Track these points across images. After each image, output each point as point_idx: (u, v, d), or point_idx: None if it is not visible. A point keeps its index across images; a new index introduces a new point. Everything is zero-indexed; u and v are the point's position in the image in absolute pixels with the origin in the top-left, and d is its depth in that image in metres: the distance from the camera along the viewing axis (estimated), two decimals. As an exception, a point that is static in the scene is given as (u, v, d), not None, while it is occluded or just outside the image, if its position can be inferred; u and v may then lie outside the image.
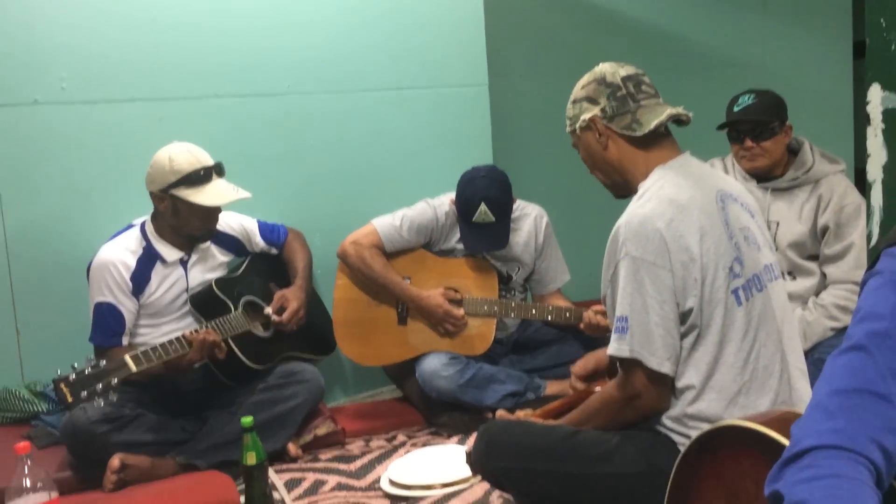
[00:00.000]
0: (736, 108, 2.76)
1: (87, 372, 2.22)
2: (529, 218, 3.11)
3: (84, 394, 2.18)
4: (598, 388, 2.05)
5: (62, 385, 2.17)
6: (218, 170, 2.65)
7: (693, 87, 3.61)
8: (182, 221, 2.64)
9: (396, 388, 3.23)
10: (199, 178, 2.58)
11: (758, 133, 2.72)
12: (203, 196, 2.57)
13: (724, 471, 1.30)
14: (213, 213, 2.65)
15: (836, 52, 4.48)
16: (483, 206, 2.87)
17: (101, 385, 2.21)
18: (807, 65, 4.36)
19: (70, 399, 2.16)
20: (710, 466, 1.33)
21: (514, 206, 3.05)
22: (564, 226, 3.34)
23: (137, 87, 2.94)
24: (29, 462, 1.96)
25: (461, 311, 2.94)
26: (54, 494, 1.99)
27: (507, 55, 3.76)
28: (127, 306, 2.60)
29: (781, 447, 1.15)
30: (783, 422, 1.26)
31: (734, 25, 4.33)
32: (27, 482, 1.95)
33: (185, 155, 2.59)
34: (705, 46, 4.27)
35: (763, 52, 4.38)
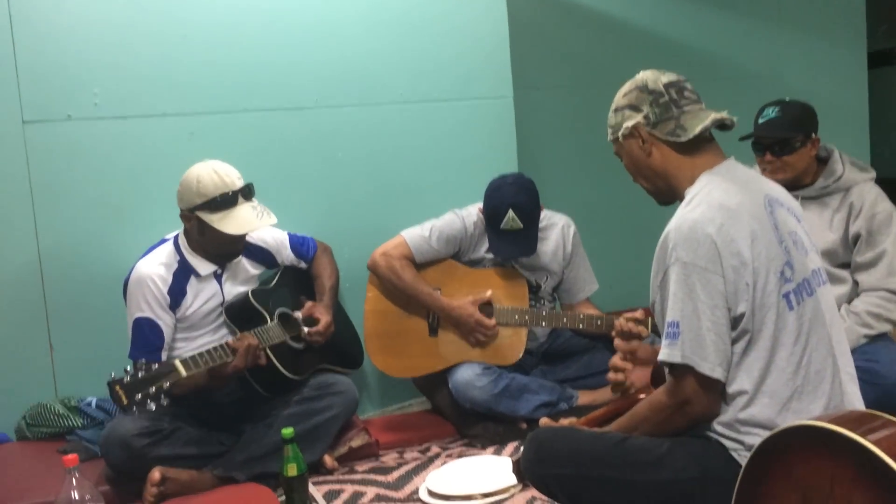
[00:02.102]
0: (760, 121, 2.76)
1: (140, 375, 2.23)
2: (557, 227, 3.13)
3: (138, 396, 2.19)
4: (642, 397, 2.05)
5: (117, 387, 2.18)
6: (245, 193, 2.62)
7: (710, 97, 3.61)
8: (207, 241, 2.64)
9: (426, 401, 3.23)
10: (223, 202, 2.56)
11: (779, 148, 2.72)
12: (225, 222, 2.56)
13: (795, 471, 1.31)
14: (236, 237, 2.63)
15: (851, 62, 4.51)
16: (511, 213, 2.89)
17: (153, 388, 2.22)
18: (822, 74, 4.39)
19: (125, 401, 2.18)
20: (779, 469, 1.34)
21: (542, 216, 3.06)
22: (589, 236, 3.34)
23: (168, 103, 2.96)
24: (77, 474, 1.96)
25: (492, 321, 2.94)
26: (102, 507, 2.00)
27: (532, 67, 3.79)
28: (165, 321, 2.61)
29: (853, 444, 1.16)
30: (853, 421, 1.27)
31: (749, 36, 4.37)
32: (75, 495, 1.95)
33: (212, 177, 2.57)
34: (721, 57, 4.30)
35: (778, 61, 4.41)
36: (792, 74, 4.35)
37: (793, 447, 1.30)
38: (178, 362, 2.35)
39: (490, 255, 3.04)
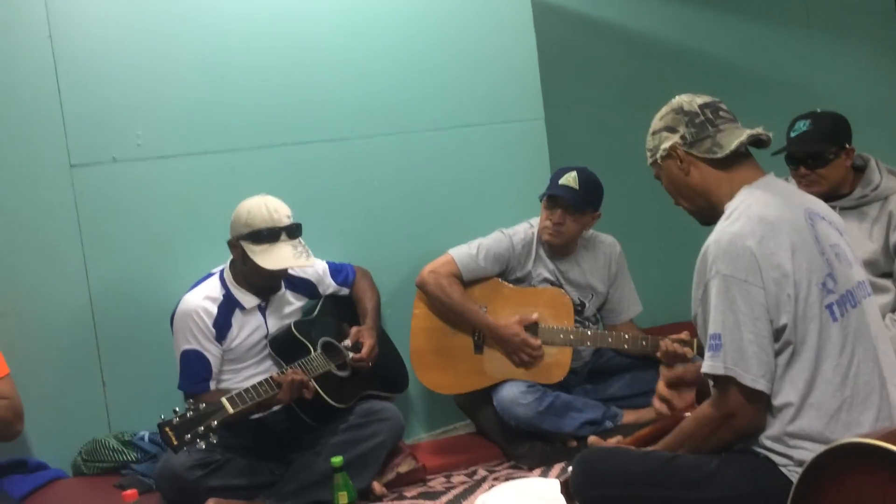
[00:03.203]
0: (792, 135, 2.76)
1: (188, 416, 2.28)
2: (604, 245, 3.16)
3: (188, 436, 2.24)
4: (687, 415, 2.05)
5: (167, 429, 2.23)
6: (290, 232, 2.68)
7: (742, 110, 3.61)
8: (249, 272, 2.70)
9: (470, 423, 3.25)
10: (265, 236, 2.63)
11: (812, 161, 2.71)
12: (262, 256, 2.62)
13: (846, 488, 1.30)
14: (273, 272, 2.67)
15: (884, 65, 4.46)
16: (574, 173, 2.96)
17: (202, 428, 2.27)
18: (854, 79, 4.35)
19: (175, 442, 2.23)
20: (831, 485, 1.33)
21: (589, 234, 3.11)
22: (627, 252, 3.35)
23: (209, 140, 3.04)
24: (136, 509, 2.01)
25: (538, 341, 2.96)
26: (163, 540, 2.04)
27: (561, 87, 3.82)
28: (212, 352, 2.67)
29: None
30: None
31: (779, 45, 4.36)
32: (135, 528, 2.00)
33: (261, 210, 2.65)
34: (753, 68, 4.30)
35: (810, 69, 4.39)
36: (825, 81, 4.33)
37: (844, 464, 1.29)
38: (225, 400, 2.40)
39: (537, 275, 3.07)
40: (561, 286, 3.08)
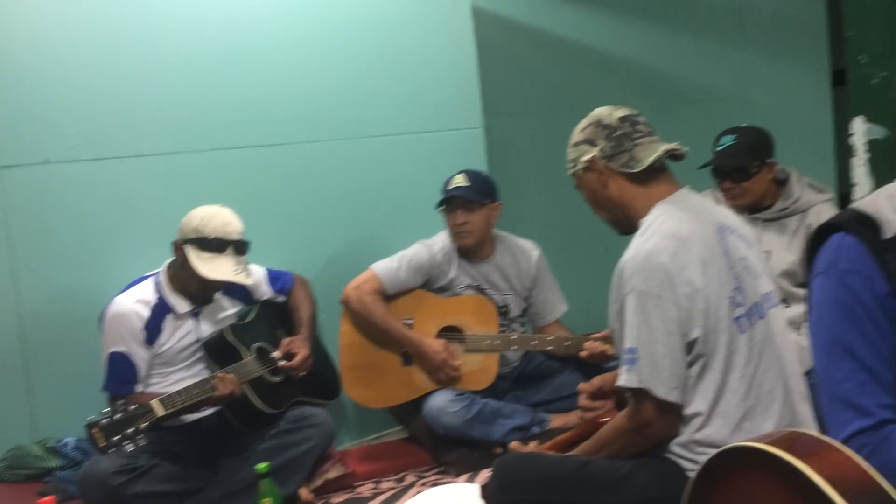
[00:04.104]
0: (717, 149, 2.84)
1: (117, 417, 2.26)
2: (524, 249, 3.23)
3: (116, 438, 2.23)
4: (606, 420, 2.10)
5: (95, 430, 2.22)
6: (238, 247, 2.68)
7: (677, 122, 3.70)
8: (187, 277, 2.69)
9: (403, 429, 3.27)
10: (212, 245, 2.63)
11: (737, 175, 2.79)
12: (202, 263, 2.61)
13: (734, 493, 1.35)
14: (209, 281, 2.66)
15: (814, 82, 4.59)
16: (461, 174, 3.06)
17: (131, 429, 2.26)
18: (786, 95, 4.47)
19: (103, 443, 2.22)
20: (721, 490, 1.38)
21: (508, 239, 3.19)
22: (561, 261, 3.41)
23: (143, 143, 3.02)
24: (53, 515, 1.99)
25: (458, 362, 3.01)
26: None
27: (504, 96, 3.88)
28: (140, 355, 2.65)
29: (787, 465, 1.21)
30: (788, 441, 1.32)
31: (716, 60, 4.45)
32: (53, 535, 1.98)
33: (215, 220, 2.65)
34: (689, 81, 4.38)
35: (744, 83, 4.49)
36: (759, 96, 4.43)
37: (732, 467, 1.34)
38: (155, 403, 2.39)
39: (460, 282, 3.11)
40: (483, 290, 3.13)
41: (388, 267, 3.07)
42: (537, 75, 4.07)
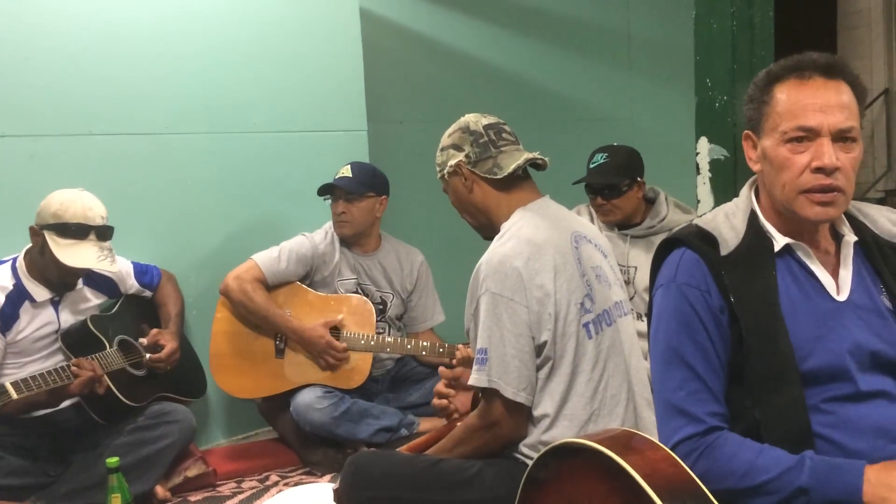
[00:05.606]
0: (591, 166, 2.92)
1: (-34, 397, 2.15)
2: (409, 254, 3.28)
3: None
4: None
5: (-57, 410, 2.10)
6: (100, 233, 2.60)
7: (564, 140, 3.83)
8: (45, 263, 2.59)
9: (272, 430, 3.23)
10: (72, 231, 2.54)
11: (608, 192, 2.87)
12: (64, 251, 2.52)
13: (565, 488, 1.41)
14: (70, 269, 2.57)
15: (687, 108, 4.80)
16: (348, 165, 3.13)
17: (-18, 411, 2.15)
18: (665, 119, 4.66)
19: None
20: (554, 485, 1.44)
21: (396, 241, 3.25)
22: (440, 268, 3.45)
23: (7, 124, 2.88)
24: None
25: (343, 344, 3.01)
26: None
27: (394, 103, 3.90)
28: (-9, 342, 2.53)
29: (613, 464, 1.27)
30: (615, 439, 1.38)
31: (604, 82, 4.61)
32: None
33: (75, 205, 2.55)
34: (576, 100, 4.52)
35: (630, 107, 4.67)
36: (642, 118, 4.61)
37: (564, 463, 1.40)
38: (9, 385, 2.30)
39: (341, 274, 3.14)
40: (363, 285, 3.17)
41: (269, 257, 3.05)
42: (430, 85, 4.11)
